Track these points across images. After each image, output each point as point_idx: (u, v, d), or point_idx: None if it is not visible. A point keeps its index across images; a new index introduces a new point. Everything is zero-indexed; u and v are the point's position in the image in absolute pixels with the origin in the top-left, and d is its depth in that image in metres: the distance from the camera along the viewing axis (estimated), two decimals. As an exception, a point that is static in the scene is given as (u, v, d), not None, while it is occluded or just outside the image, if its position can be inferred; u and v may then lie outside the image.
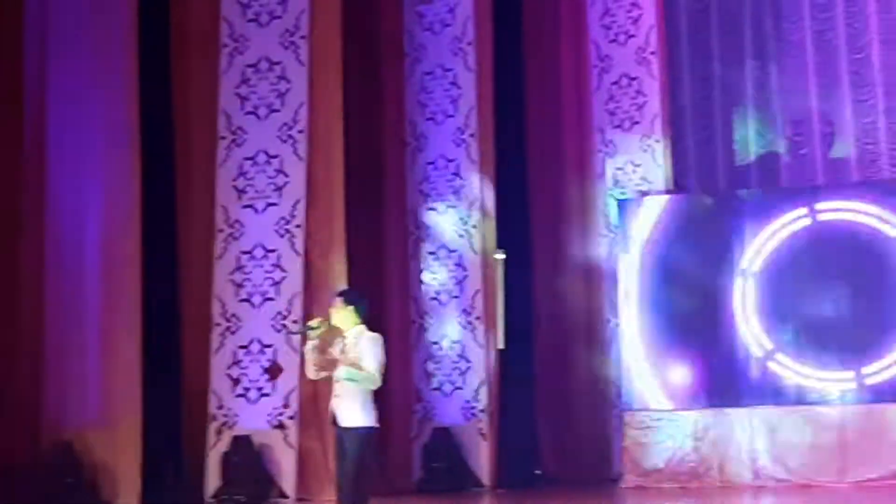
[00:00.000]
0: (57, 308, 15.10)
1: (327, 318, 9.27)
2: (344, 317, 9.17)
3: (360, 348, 9.06)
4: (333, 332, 9.17)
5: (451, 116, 16.63)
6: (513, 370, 16.76)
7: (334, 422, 9.06)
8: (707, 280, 15.70)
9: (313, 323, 9.27)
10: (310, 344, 9.12)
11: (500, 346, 16.59)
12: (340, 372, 8.94)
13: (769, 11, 17.42)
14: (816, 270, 15.42)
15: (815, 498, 13.94)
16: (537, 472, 17.11)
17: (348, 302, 9.22)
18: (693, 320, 15.74)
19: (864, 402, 14.96)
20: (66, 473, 14.73)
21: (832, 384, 15.09)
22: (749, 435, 15.21)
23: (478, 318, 16.28)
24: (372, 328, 9.29)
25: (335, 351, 9.10)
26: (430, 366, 16.49)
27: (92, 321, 15.18)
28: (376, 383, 9.09)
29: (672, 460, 15.43)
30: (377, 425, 9.16)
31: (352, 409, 8.97)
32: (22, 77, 15.08)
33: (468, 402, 16.23)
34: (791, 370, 15.25)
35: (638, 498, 14.74)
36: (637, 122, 16.86)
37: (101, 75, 15.07)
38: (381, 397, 9.31)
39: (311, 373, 9.18)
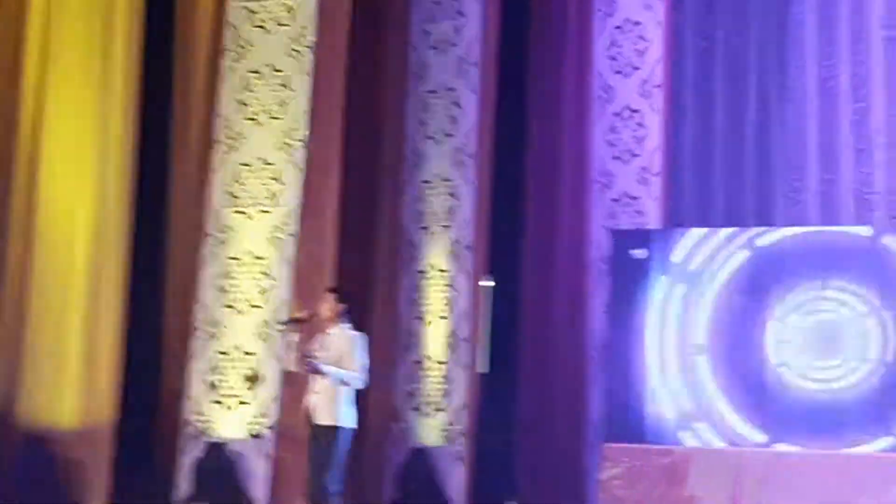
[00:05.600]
0: (39, 301, 15.00)
1: (315, 312, 9.20)
2: (333, 313, 9.09)
3: (344, 346, 8.97)
4: (318, 327, 9.08)
5: (450, 136, 16.55)
6: (494, 395, 16.62)
7: (309, 419, 8.93)
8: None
9: (300, 314, 9.18)
10: (293, 336, 9.03)
11: (484, 369, 16.45)
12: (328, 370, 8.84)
13: (774, 56, 17.45)
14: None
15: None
16: (511, 501, 16.92)
17: (340, 299, 9.14)
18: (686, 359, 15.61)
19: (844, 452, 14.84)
20: (36, 469, 14.58)
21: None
22: (731, 476, 15.02)
23: (464, 339, 16.14)
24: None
25: (319, 347, 9.00)
26: (411, 385, 16.33)
27: (74, 317, 15.05)
28: (360, 383, 8.99)
29: (649, 497, 15.25)
30: (355, 427, 9.03)
31: (331, 407, 8.87)
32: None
33: (447, 424, 16.07)
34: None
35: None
36: (636, 155, 16.84)
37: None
38: (359, 413, 9.19)
39: (291, 365, 9.09)
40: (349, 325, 9.05)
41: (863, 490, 14.55)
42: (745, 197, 17.20)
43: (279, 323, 14.16)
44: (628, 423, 15.62)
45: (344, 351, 8.92)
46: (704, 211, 17.24)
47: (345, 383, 8.71)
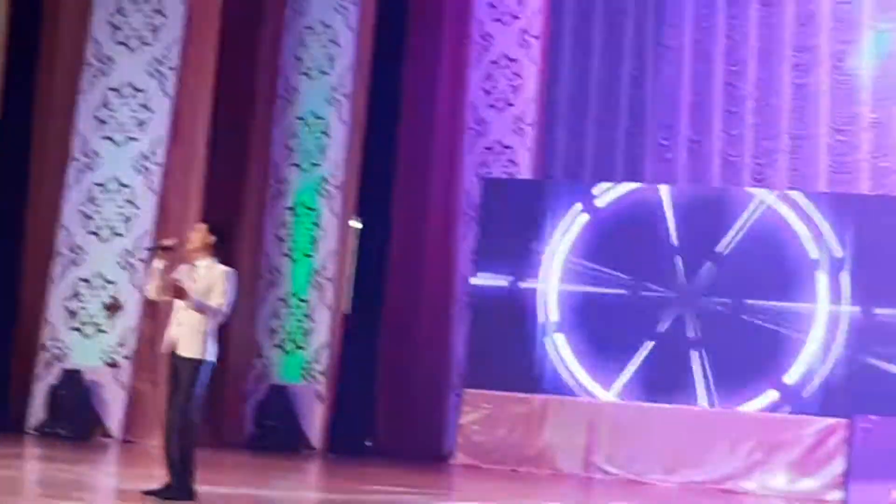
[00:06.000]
0: None
1: (183, 242, 9.04)
2: (202, 245, 8.94)
3: (213, 279, 8.84)
4: (186, 258, 8.93)
5: (326, 74, 16.42)
6: (357, 336, 16.59)
7: (172, 351, 8.81)
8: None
9: (168, 241, 9.03)
10: (159, 263, 8.86)
11: (347, 310, 16.43)
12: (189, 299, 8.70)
13: (652, 14, 17.52)
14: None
15: (639, 494, 13.98)
16: (368, 443, 16.91)
17: (213, 231, 8.99)
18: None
19: (698, 406, 15.13)
20: None
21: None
22: (586, 426, 15.22)
23: (328, 279, 16.09)
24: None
25: (184, 277, 8.85)
26: (274, 322, 16.25)
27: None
28: (223, 317, 8.89)
29: (506, 443, 15.39)
30: (215, 361, 8.95)
31: (193, 340, 8.74)
32: None
33: (308, 362, 16.04)
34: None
35: (465, 477, 14.65)
36: (512, 104, 16.88)
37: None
38: (219, 349, 9.08)
39: (153, 292, 8.93)
40: (218, 259, 8.92)
41: (713, 443, 14.86)
42: (615, 151, 17.30)
43: (145, 248, 14.02)
44: (490, 370, 15.73)
45: (212, 284, 8.74)
46: (575, 163, 17.33)
47: (205, 314, 8.57)
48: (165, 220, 14.85)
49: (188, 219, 14.55)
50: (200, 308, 8.73)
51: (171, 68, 15.04)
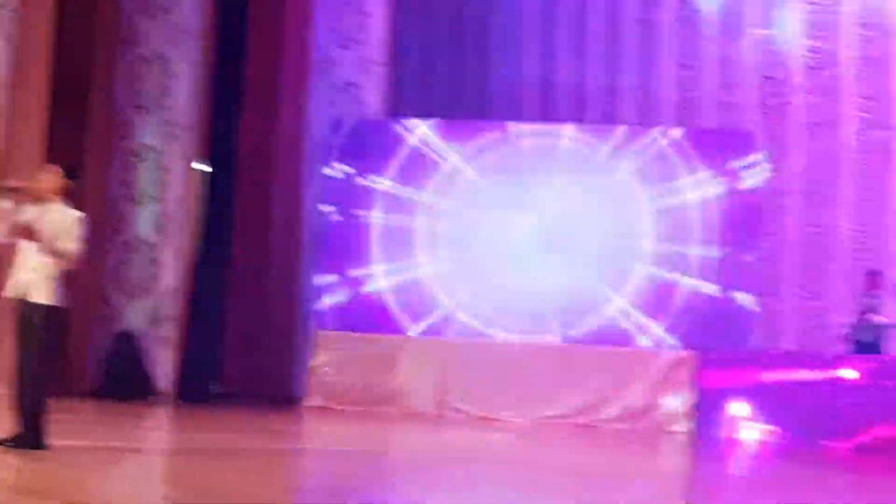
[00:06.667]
0: None
1: (31, 183, 8.78)
2: (52, 187, 8.69)
3: (65, 223, 8.61)
4: (32, 200, 8.67)
5: (169, 13, 16.04)
6: (206, 281, 16.35)
7: (19, 297, 8.55)
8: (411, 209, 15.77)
9: (11, 182, 8.75)
10: (5, 203, 8.58)
11: (195, 254, 16.18)
12: (37, 244, 8.45)
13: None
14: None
15: (492, 431, 14.08)
16: (214, 388, 16.70)
17: (66, 174, 8.75)
18: (388, 248, 15.80)
19: (548, 342, 15.31)
20: None
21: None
22: (437, 366, 15.27)
23: (175, 223, 15.80)
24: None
25: (34, 220, 8.59)
26: (120, 268, 15.91)
27: None
28: (72, 262, 8.67)
29: (358, 384, 15.37)
30: (65, 306, 8.74)
31: (45, 285, 8.50)
32: None
33: (155, 308, 15.75)
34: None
35: (317, 418, 14.60)
36: (358, 42, 16.73)
37: None
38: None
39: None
40: (65, 203, 8.67)
41: (565, 378, 15.03)
42: (464, 89, 17.29)
43: None
44: (342, 311, 15.71)
45: (63, 229, 8.50)
46: (424, 101, 17.27)
47: (57, 258, 8.33)
48: (6, 164, 14.36)
49: (29, 163, 14.12)
50: (54, 251, 8.50)
51: (7, 7, 14.50)
